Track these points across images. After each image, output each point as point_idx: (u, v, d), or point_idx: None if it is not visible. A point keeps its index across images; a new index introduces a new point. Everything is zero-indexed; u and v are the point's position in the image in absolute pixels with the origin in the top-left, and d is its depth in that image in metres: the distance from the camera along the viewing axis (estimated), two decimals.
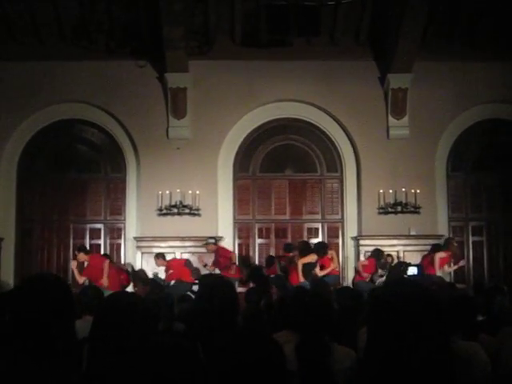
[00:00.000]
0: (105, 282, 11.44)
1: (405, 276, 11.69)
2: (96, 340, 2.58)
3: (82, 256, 12.03)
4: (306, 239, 13.76)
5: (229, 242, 14.39)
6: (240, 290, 10.47)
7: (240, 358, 1.92)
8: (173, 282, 12.45)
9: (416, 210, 14.04)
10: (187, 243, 13.89)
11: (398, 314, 1.90)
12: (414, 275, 12.14)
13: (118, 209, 14.87)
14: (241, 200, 14.92)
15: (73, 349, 2.24)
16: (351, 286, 12.00)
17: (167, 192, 13.94)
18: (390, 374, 1.87)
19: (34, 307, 2.20)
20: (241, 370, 1.90)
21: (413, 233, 14.08)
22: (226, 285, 3.19)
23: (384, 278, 12.22)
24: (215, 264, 12.89)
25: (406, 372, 1.85)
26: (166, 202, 13.98)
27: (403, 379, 1.85)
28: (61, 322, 2.22)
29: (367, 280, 12.73)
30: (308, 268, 11.43)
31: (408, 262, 12.98)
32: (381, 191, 14.12)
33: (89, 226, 14.82)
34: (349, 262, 14.51)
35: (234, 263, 13.11)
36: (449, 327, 1.96)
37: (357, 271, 13.35)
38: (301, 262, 11.48)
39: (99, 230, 14.86)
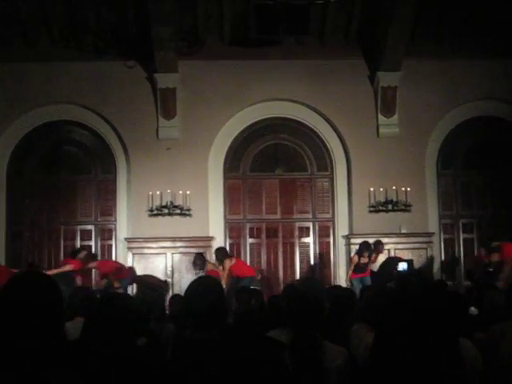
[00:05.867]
0: None
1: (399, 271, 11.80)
2: (87, 341, 2.57)
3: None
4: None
5: (220, 242, 14.37)
6: None
7: (243, 358, 1.91)
8: None
9: (407, 208, 14.07)
10: (178, 244, 13.88)
11: (414, 311, 1.90)
12: (404, 270, 12.24)
13: (108, 210, 14.82)
14: (231, 200, 14.91)
15: (64, 349, 2.23)
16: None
17: (158, 192, 13.91)
18: (401, 368, 1.87)
19: (23, 304, 2.19)
20: (242, 371, 1.89)
21: (403, 231, 14.11)
22: (216, 285, 3.18)
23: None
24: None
25: (418, 366, 1.85)
26: (157, 203, 13.95)
27: (415, 373, 1.86)
28: (50, 321, 2.21)
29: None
30: None
31: (398, 256, 13.06)
32: (371, 189, 14.14)
33: (79, 227, 14.77)
34: (340, 260, 14.53)
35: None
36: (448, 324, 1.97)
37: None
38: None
39: (90, 231, 14.81)
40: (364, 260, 12.84)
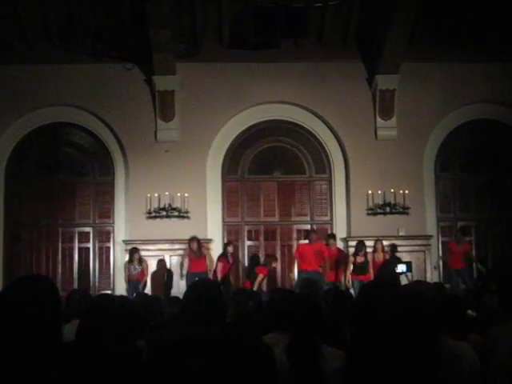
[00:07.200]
0: None
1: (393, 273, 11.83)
2: (82, 343, 2.56)
3: None
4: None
5: (218, 244, 14.37)
6: None
7: (230, 359, 1.92)
8: None
9: (405, 210, 14.08)
10: (176, 246, 13.87)
11: (383, 314, 1.90)
12: (403, 272, 12.29)
13: (106, 212, 14.81)
14: (230, 202, 14.90)
15: (61, 351, 2.22)
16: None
17: (156, 195, 13.91)
18: (375, 371, 1.87)
19: (22, 307, 2.19)
20: (230, 372, 1.89)
21: (402, 233, 14.12)
22: (214, 287, 3.18)
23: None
24: None
25: (391, 370, 1.85)
26: (155, 205, 13.94)
27: (388, 377, 1.85)
28: (49, 324, 2.20)
29: None
30: None
31: (398, 257, 13.11)
32: (369, 192, 14.15)
33: (77, 229, 14.76)
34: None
35: None
36: (436, 327, 1.97)
37: None
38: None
39: (88, 233, 14.79)
40: (360, 259, 12.97)
